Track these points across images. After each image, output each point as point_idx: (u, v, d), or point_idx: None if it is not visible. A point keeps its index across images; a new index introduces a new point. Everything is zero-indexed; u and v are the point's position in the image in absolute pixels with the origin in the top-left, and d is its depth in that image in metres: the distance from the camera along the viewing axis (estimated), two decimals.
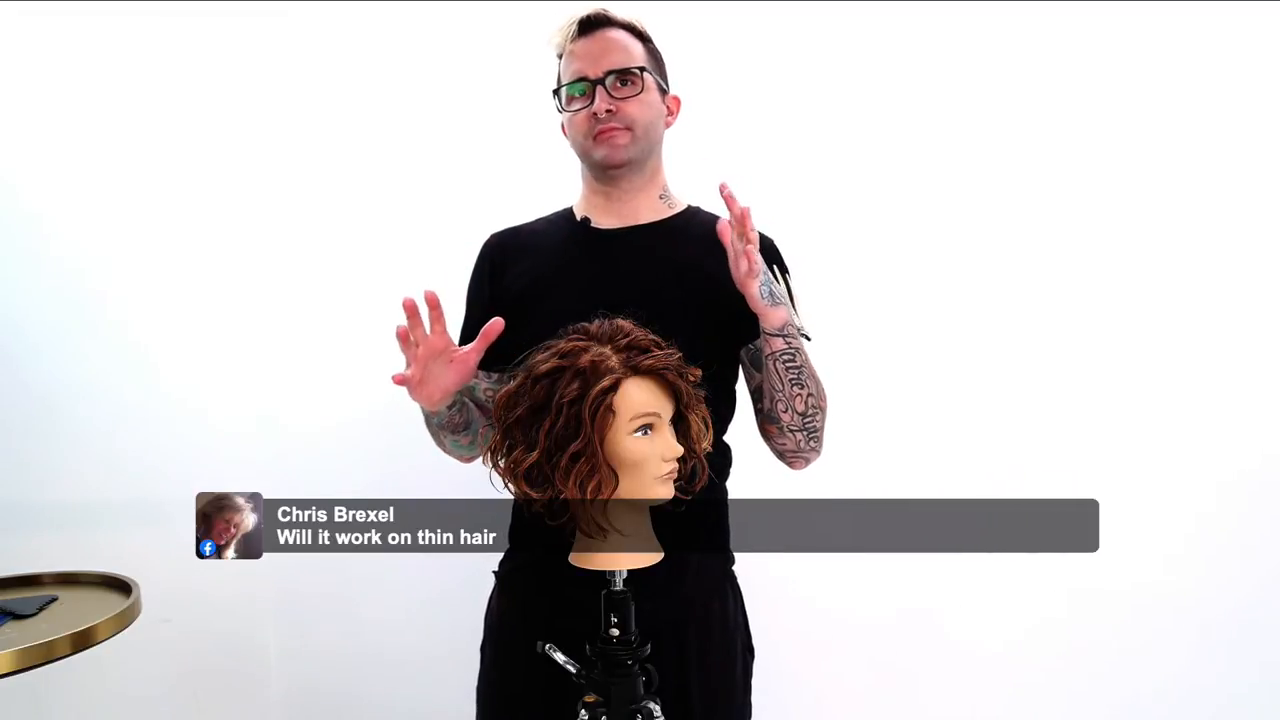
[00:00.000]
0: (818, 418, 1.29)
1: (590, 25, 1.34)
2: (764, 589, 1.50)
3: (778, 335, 1.23)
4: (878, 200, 2.04)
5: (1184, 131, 2.04)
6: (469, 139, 2.01)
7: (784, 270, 1.36)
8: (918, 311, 2.05)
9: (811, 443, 1.31)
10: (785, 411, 1.28)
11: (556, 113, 1.40)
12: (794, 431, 1.29)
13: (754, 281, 1.19)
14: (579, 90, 1.33)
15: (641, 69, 1.33)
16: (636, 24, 1.37)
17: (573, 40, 1.34)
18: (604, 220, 1.37)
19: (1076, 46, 2.03)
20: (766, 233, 1.38)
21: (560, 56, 1.38)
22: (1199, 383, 2.06)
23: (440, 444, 1.36)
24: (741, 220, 1.18)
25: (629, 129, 1.32)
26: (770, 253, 1.37)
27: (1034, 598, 2.06)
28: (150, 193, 1.95)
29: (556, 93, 1.38)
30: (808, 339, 1.32)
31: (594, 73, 1.32)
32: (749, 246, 1.17)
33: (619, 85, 1.32)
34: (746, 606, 1.41)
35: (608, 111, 1.31)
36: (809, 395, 1.27)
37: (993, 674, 2.09)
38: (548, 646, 1.13)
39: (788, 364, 1.25)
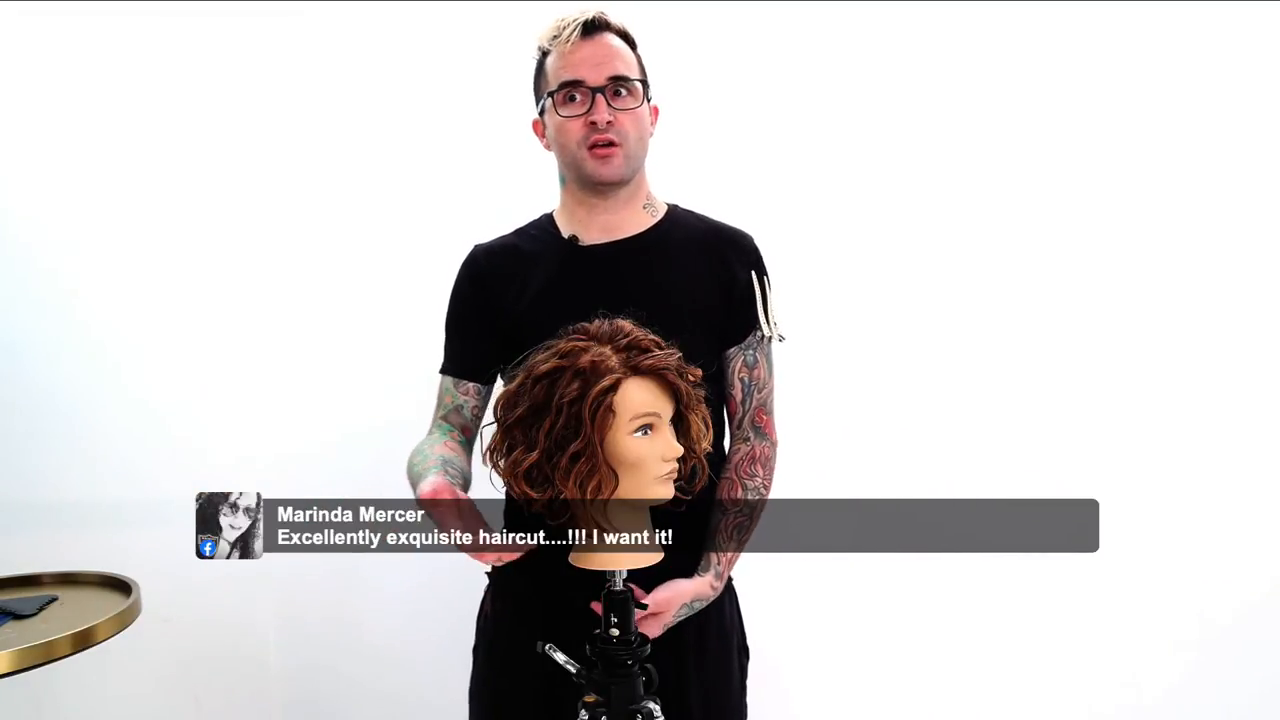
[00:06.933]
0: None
1: (592, 28, 1.29)
2: (762, 589, 1.50)
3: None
4: (877, 199, 2.04)
5: (1184, 131, 2.04)
6: (463, 140, 2.01)
7: (762, 272, 1.36)
8: (917, 312, 2.05)
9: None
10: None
11: (539, 113, 1.35)
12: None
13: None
14: (574, 95, 1.28)
15: (640, 81, 1.31)
16: (628, 31, 1.33)
17: (572, 43, 1.28)
18: (589, 234, 1.34)
19: (1068, 42, 2.03)
20: (747, 230, 1.39)
21: (545, 54, 1.32)
22: (1199, 382, 2.06)
23: None
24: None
25: (621, 145, 1.28)
26: (750, 254, 1.37)
27: (1034, 598, 2.06)
28: (150, 193, 1.95)
29: (542, 92, 1.33)
30: (781, 338, 1.36)
31: (595, 79, 1.27)
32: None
33: (616, 96, 1.28)
34: (743, 607, 1.41)
35: (607, 122, 1.27)
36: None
37: (993, 674, 2.08)
38: (548, 646, 1.13)
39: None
